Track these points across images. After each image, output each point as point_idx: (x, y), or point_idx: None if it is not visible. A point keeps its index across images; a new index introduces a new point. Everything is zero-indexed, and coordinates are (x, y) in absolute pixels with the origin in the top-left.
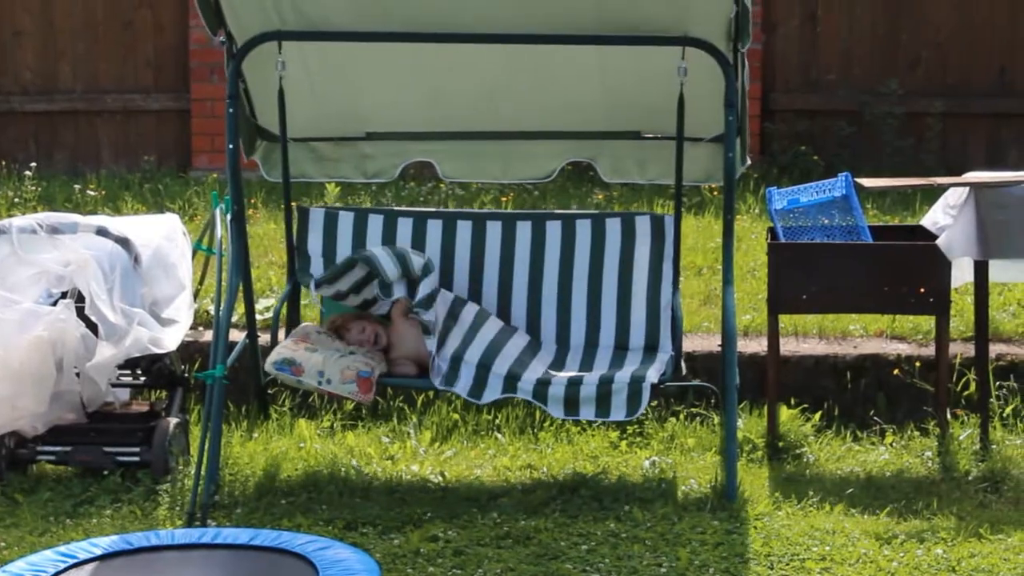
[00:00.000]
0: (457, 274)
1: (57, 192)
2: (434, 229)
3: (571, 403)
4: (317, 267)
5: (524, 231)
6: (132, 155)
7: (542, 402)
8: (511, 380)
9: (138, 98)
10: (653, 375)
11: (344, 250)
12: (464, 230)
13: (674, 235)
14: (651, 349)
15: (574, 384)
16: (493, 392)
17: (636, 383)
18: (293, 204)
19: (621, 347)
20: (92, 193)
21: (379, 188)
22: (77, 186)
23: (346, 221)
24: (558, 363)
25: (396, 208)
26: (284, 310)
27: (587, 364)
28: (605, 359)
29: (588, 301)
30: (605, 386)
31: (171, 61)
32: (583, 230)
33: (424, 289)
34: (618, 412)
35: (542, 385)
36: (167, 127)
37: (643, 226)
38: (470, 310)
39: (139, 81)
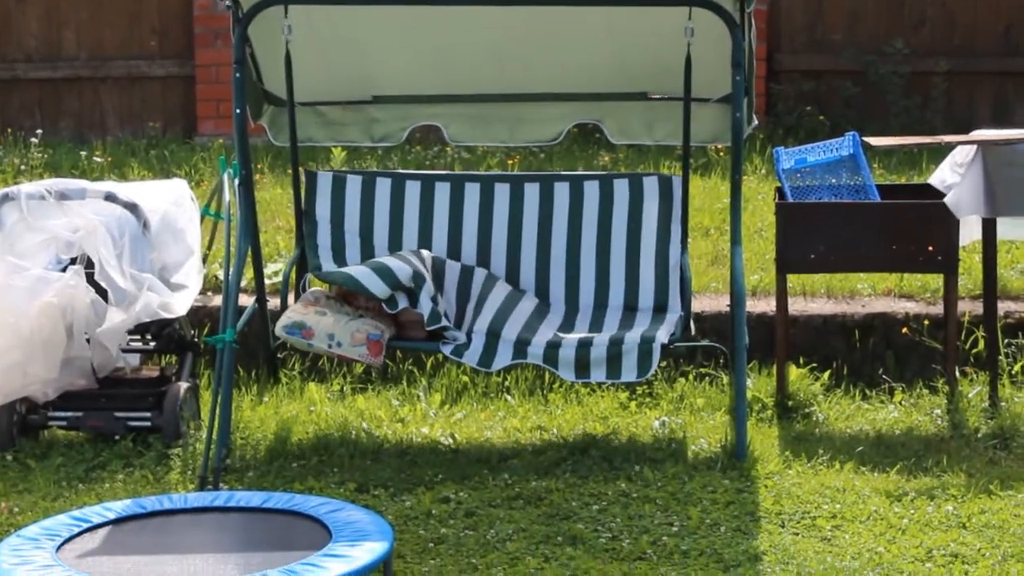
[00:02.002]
0: (465, 237)
1: (63, 159)
2: (442, 192)
3: (581, 366)
4: (324, 233)
5: (532, 193)
6: (137, 122)
7: (552, 366)
8: (520, 346)
9: (143, 64)
10: (663, 335)
11: (352, 215)
12: (472, 193)
13: (682, 195)
14: (660, 309)
15: (584, 346)
16: (503, 359)
17: (646, 343)
18: (300, 169)
19: (630, 308)
20: (98, 160)
21: (385, 152)
22: (83, 153)
23: (354, 185)
24: (567, 325)
25: (403, 172)
26: (293, 275)
27: (596, 326)
28: (614, 320)
29: (597, 262)
30: (615, 347)
31: (175, 27)
32: (591, 191)
33: (425, 304)
34: (629, 373)
35: (552, 348)
36: (172, 93)
37: (651, 186)
38: (478, 278)
39: (143, 47)
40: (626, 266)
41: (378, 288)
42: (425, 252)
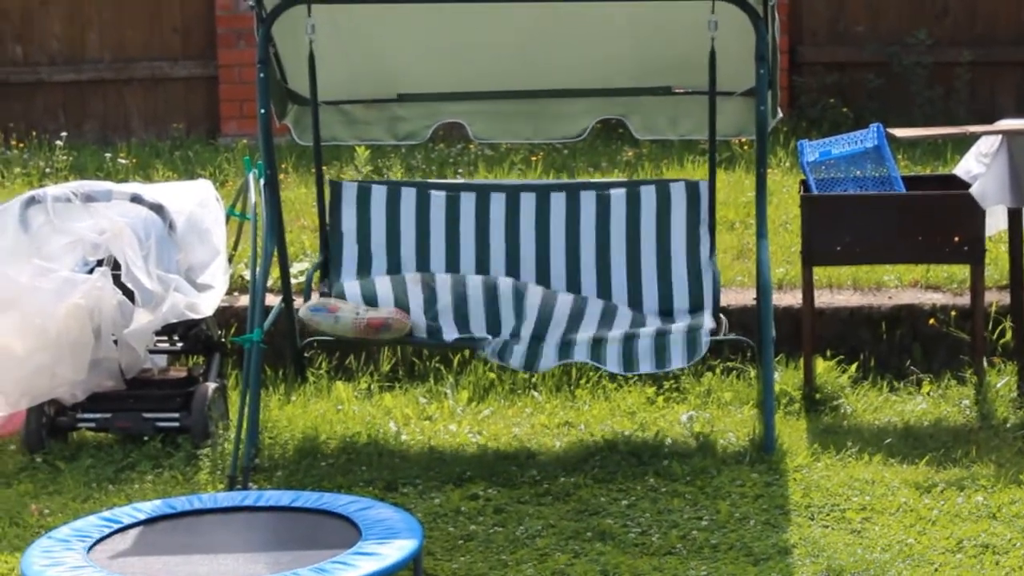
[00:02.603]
0: (493, 248)
1: (88, 161)
2: (467, 201)
3: (629, 359)
4: (350, 245)
5: (559, 202)
6: (161, 123)
7: (599, 361)
8: (565, 347)
9: (166, 66)
10: (709, 322)
11: (378, 227)
12: (498, 201)
13: (710, 199)
14: (696, 310)
15: (630, 339)
16: (548, 361)
17: (693, 331)
18: (325, 178)
19: (665, 312)
20: (123, 161)
21: (409, 151)
22: (108, 155)
23: (379, 196)
24: (606, 322)
25: (428, 181)
26: (316, 278)
27: (637, 322)
28: (653, 320)
29: (627, 270)
30: (662, 338)
31: (198, 27)
32: (618, 199)
33: (418, 317)
34: (677, 360)
35: (597, 344)
36: (195, 94)
37: (678, 193)
38: (504, 289)
39: (166, 48)
40: (657, 273)
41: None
42: (441, 276)
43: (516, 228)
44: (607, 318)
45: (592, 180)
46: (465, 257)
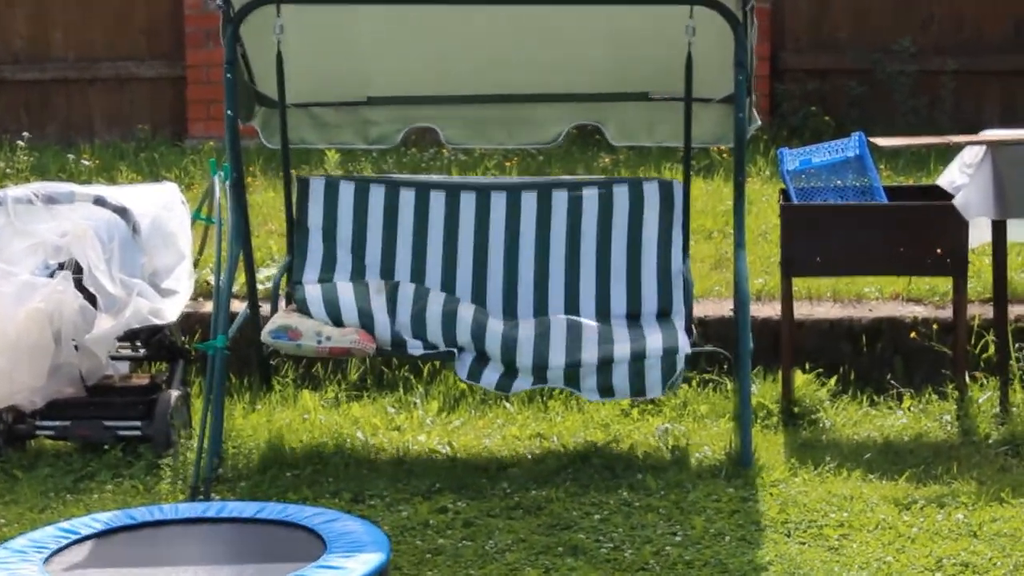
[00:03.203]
0: (462, 245)
1: (50, 162)
2: (437, 200)
3: (605, 388)
4: (315, 245)
5: (530, 201)
6: (126, 124)
7: (575, 387)
8: (539, 371)
9: (131, 65)
10: (685, 345)
11: (345, 224)
12: (468, 201)
13: (683, 200)
14: (664, 315)
15: (606, 365)
16: (523, 383)
17: (670, 356)
18: (293, 173)
19: (633, 315)
20: (86, 163)
21: (380, 155)
22: (71, 156)
23: (347, 192)
24: (575, 342)
25: (398, 177)
26: (284, 281)
27: (606, 338)
28: (621, 329)
29: (597, 270)
30: (638, 363)
31: (165, 27)
32: (590, 198)
33: (383, 326)
34: (654, 389)
35: (572, 369)
36: (162, 95)
37: (651, 192)
38: (464, 314)
39: (132, 48)
40: (627, 273)
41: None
42: (408, 285)
43: (486, 227)
44: (574, 335)
45: (564, 178)
46: (432, 257)
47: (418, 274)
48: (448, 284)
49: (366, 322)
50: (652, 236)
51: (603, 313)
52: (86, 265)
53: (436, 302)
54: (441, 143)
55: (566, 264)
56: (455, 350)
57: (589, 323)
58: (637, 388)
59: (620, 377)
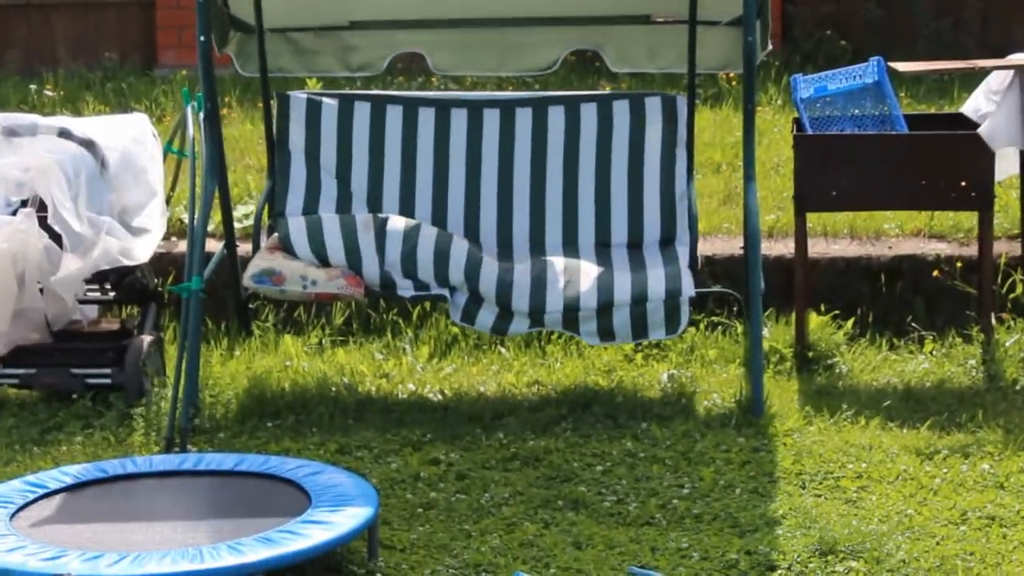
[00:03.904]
0: (453, 168)
1: (11, 94)
2: (425, 118)
3: (605, 331)
4: (298, 165)
5: (524, 117)
6: (92, 52)
7: (573, 331)
8: (536, 314)
9: None
10: (688, 287)
11: (328, 145)
12: (459, 118)
13: (687, 117)
14: (667, 243)
15: (606, 308)
16: (519, 326)
17: (672, 299)
18: (272, 92)
19: (635, 244)
20: (49, 94)
21: (364, 83)
22: (33, 87)
23: (330, 111)
24: (573, 283)
25: (384, 93)
26: (265, 215)
27: (605, 277)
28: (623, 266)
29: (596, 193)
30: (639, 307)
31: None
32: (588, 114)
33: (371, 267)
34: (656, 331)
35: (570, 312)
36: (130, 20)
37: (653, 108)
38: (457, 251)
39: None
40: (628, 197)
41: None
42: (397, 219)
43: (478, 145)
44: (572, 279)
45: (561, 93)
46: (421, 182)
47: (407, 201)
48: (439, 212)
49: (353, 261)
50: (655, 155)
51: (603, 243)
52: (51, 202)
53: (427, 239)
54: (429, 71)
55: (563, 188)
56: (447, 291)
57: (588, 263)
58: (639, 332)
59: (621, 320)
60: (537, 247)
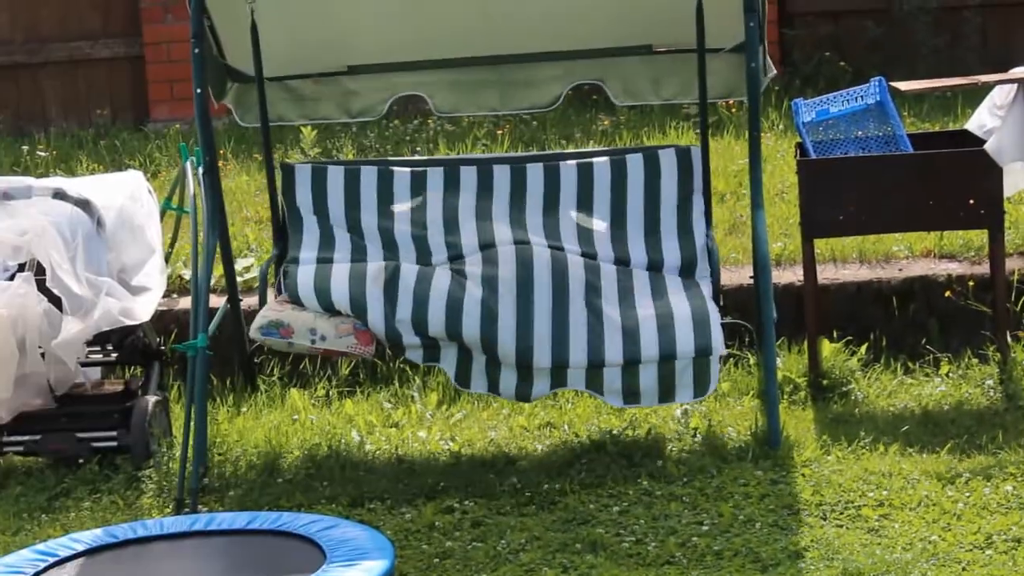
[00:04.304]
0: (463, 229)
1: (2, 156)
2: (435, 179)
3: (631, 392)
4: (311, 225)
5: (536, 176)
6: (83, 110)
7: (597, 391)
8: (558, 372)
9: (85, 46)
10: (719, 344)
11: (336, 205)
12: (468, 177)
13: (703, 168)
14: (691, 290)
15: (632, 366)
16: (542, 388)
17: (702, 357)
18: (276, 162)
19: (658, 294)
20: (42, 154)
21: (360, 129)
22: (24, 147)
23: (336, 177)
24: (597, 336)
25: (390, 159)
26: (271, 272)
27: (631, 331)
28: (649, 318)
29: (614, 252)
30: (667, 366)
31: (119, 2)
32: (601, 170)
33: (377, 320)
34: (684, 394)
35: (594, 370)
36: (120, 76)
37: (668, 161)
38: (473, 304)
39: (85, 26)
40: (647, 256)
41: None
42: (409, 269)
43: (488, 206)
44: (596, 333)
45: (572, 151)
46: (433, 238)
47: (423, 255)
48: (455, 256)
49: (360, 314)
50: (671, 208)
51: (625, 290)
52: (48, 265)
53: (439, 292)
54: (426, 113)
55: (579, 241)
56: (456, 353)
57: (611, 309)
58: (666, 394)
59: (647, 380)
60: (559, 302)
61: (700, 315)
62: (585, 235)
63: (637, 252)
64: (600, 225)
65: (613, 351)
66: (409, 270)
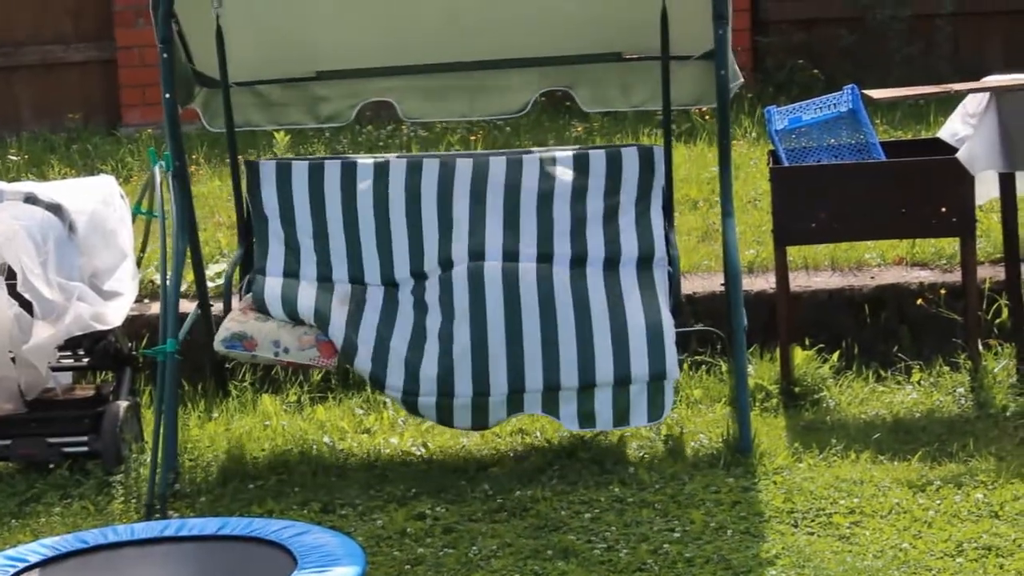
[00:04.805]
0: (426, 223)
1: None
2: (397, 173)
3: (586, 416)
4: (275, 232)
5: (498, 169)
6: (55, 113)
7: (554, 415)
8: (514, 398)
9: (58, 49)
10: (673, 368)
11: (302, 204)
12: (431, 173)
13: (665, 167)
14: (645, 264)
15: (587, 389)
16: (498, 414)
17: (657, 381)
18: (240, 159)
19: (617, 311)
20: (13, 158)
21: (333, 134)
22: None
23: (300, 174)
24: (552, 358)
25: (355, 157)
26: (236, 275)
27: (586, 354)
28: (603, 337)
29: (572, 251)
30: (622, 389)
31: (92, 6)
32: (564, 166)
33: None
34: (639, 418)
35: (550, 393)
36: (92, 80)
37: (630, 159)
38: (433, 328)
39: (57, 30)
40: (604, 240)
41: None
42: (375, 295)
43: (449, 201)
44: (551, 359)
45: (535, 149)
46: (397, 237)
47: (385, 262)
48: (416, 270)
49: (324, 329)
50: (631, 204)
51: (580, 301)
52: (19, 269)
53: (402, 334)
54: (399, 119)
55: (538, 237)
56: (416, 389)
57: (566, 330)
58: (620, 419)
59: (603, 403)
60: (513, 326)
61: (654, 331)
62: (545, 230)
63: (595, 246)
64: (561, 219)
65: (568, 375)
66: (374, 296)
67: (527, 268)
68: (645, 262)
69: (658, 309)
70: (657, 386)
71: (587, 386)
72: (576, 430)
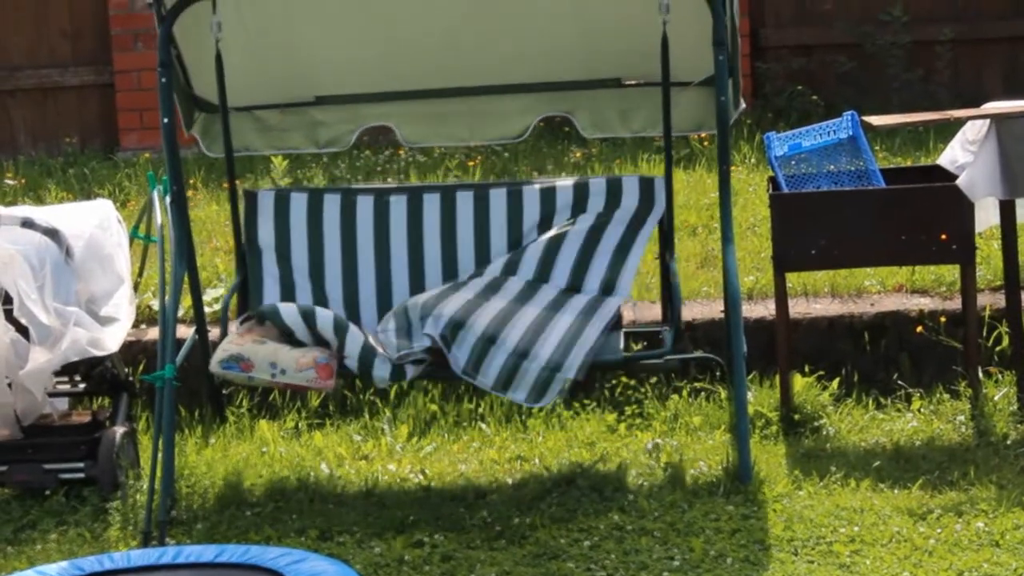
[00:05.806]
0: (428, 253)
1: None
2: (398, 207)
3: (474, 366)
4: (270, 265)
5: (499, 201)
6: (52, 138)
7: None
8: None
9: (55, 73)
10: (572, 367)
11: (299, 240)
12: (432, 204)
13: (666, 197)
14: (607, 289)
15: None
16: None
17: (551, 370)
18: (239, 187)
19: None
20: (10, 182)
21: (331, 159)
22: None
23: (299, 205)
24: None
25: (354, 187)
26: (233, 302)
27: (538, 330)
28: (539, 303)
29: (572, 275)
30: (519, 359)
31: (90, 29)
32: (564, 197)
33: (353, 349)
34: (519, 393)
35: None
36: (89, 104)
37: (631, 190)
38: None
39: (54, 54)
40: (605, 276)
41: (304, 336)
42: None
43: (452, 231)
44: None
45: (536, 180)
46: (397, 269)
47: (383, 296)
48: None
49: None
50: (632, 234)
51: (527, 295)
52: (16, 294)
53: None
54: (397, 144)
55: (539, 268)
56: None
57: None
58: (503, 383)
59: (494, 366)
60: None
61: (574, 332)
62: (546, 263)
63: (561, 272)
64: (566, 256)
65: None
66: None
67: (526, 295)
68: (607, 288)
69: (588, 322)
70: (549, 375)
71: (522, 353)
72: (459, 373)
